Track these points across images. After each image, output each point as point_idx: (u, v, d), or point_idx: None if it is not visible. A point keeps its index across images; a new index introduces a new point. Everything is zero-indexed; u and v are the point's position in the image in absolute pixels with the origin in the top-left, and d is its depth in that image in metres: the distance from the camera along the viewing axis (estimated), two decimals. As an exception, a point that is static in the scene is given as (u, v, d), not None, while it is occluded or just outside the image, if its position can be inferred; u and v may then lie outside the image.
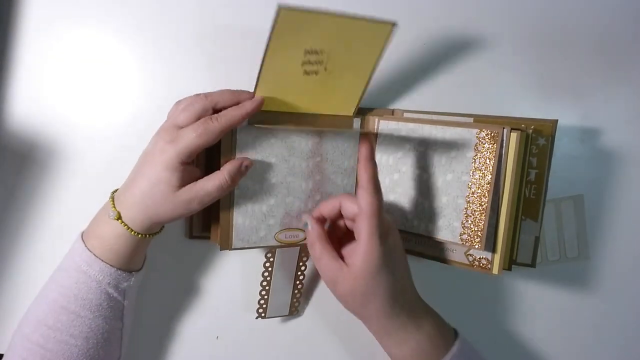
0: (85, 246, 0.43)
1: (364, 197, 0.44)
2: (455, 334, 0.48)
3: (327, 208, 0.48)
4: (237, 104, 0.44)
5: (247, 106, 0.43)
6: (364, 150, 0.47)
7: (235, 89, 0.46)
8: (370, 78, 0.49)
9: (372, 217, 0.43)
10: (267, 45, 0.42)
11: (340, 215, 0.48)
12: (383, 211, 0.44)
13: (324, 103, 0.49)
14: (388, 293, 0.44)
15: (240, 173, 0.45)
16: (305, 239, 0.51)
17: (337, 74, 0.47)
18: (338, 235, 0.50)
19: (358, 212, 0.44)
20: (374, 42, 0.45)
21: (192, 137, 0.41)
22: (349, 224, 0.49)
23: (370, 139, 0.51)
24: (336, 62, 0.46)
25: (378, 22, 0.43)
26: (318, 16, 0.41)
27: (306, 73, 0.46)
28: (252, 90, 0.45)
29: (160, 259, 0.52)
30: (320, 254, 0.45)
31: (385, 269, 0.43)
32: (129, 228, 0.43)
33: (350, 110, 0.51)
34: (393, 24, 0.44)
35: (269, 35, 0.41)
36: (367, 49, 0.46)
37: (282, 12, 0.40)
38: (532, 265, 0.53)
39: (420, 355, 0.45)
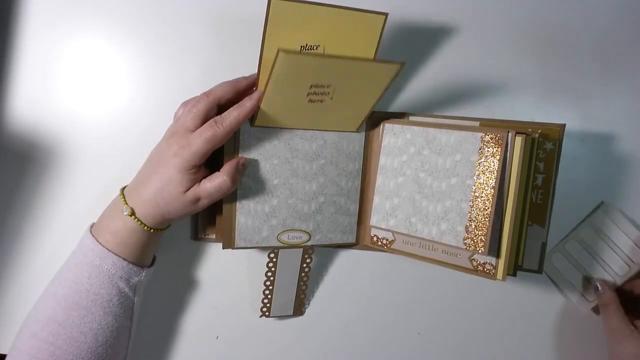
0: (98, 241, 0.45)
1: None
2: None
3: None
4: (238, 93, 0.46)
5: (247, 105, 0.45)
6: None
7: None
8: (375, 105, 0.49)
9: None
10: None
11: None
12: None
13: (327, 122, 0.50)
14: None
15: (238, 172, 0.47)
16: (307, 241, 0.52)
17: (343, 104, 0.48)
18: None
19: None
20: (379, 77, 0.45)
21: (200, 143, 0.43)
22: None
23: None
24: (342, 94, 0.46)
25: (386, 63, 0.43)
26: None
27: (311, 102, 0.46)
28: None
29: (165, 260, 0.53)
30: (612, 314, 0.53)
31: None
32: (141, 223, 0.45)
33: (354, 127, 0.52)
34: (401, 64, 0.43)
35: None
36: (371, 85, 0.46)
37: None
38: (539, 271, 0.52)
39: None
